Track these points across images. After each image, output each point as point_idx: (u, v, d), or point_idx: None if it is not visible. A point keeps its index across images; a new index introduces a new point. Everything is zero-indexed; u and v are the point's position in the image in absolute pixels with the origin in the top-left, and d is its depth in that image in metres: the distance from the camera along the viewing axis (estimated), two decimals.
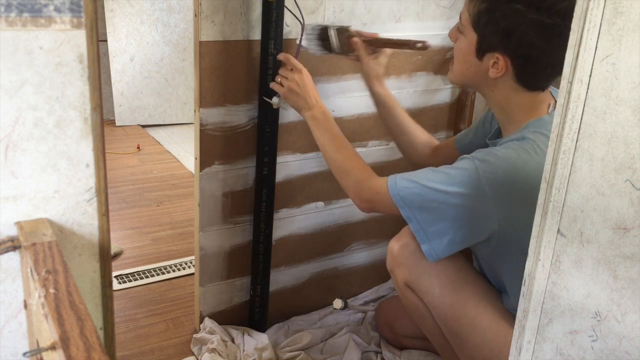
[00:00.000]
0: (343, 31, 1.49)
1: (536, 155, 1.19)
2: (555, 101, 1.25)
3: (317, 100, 1.43)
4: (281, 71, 1.45)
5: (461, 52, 1.29)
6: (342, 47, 1.49)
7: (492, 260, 1.35)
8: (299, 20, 1.46)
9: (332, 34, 1.48)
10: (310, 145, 1.68)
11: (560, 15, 1.15)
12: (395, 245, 1.40)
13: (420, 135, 1.60)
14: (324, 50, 1.51)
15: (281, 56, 1.45)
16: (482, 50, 1.25)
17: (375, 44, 1.51)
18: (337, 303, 1.67)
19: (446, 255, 1.28)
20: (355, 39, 1.48)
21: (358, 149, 1.75)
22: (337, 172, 1.40)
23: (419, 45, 1.45)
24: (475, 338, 1.33)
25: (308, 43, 1.50)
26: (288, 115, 1.60)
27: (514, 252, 1.25)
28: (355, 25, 1.60)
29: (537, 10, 1.16)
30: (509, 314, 1.34)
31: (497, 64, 1.23)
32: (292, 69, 1.43)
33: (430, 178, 1.24)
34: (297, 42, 1.48)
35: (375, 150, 1.78)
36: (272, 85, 1.46)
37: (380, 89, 1.54)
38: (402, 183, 1.27)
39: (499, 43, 1.21)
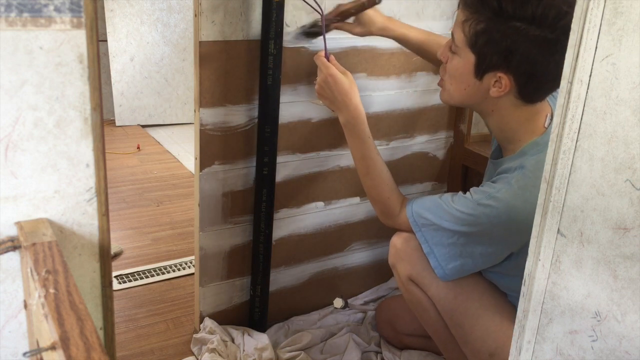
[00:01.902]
0: (315, 24, 1.50)
1: (535, 190, 1.20)
2: (552, 111, 1.26)
3: (345, 103, 1.38)
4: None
5: (457, 72, 1.26)
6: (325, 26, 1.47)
7: (501, 270, 1.37)
8: (318, 12, 1.42)
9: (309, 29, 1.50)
10: (310, 145, 1.68)
11: (562, 30, 1.12)
12: (397, 240, 1.42)
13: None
14: (312, 38, 1.53)
15: (315, 57, 1.42)
16: (481, 71, 1.22)
17: (342, 15, 1.46)
18: (338, 302, 1.67)
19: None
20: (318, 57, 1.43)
21: None
22: (366, 193, 1.46)
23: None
24: (478, 330, 1.35)
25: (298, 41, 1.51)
26: (288, 115, 1.60)
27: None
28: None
29: (539, 26, 1.13)
30: (512, 307, 1.36)
31: (500, 83, 1.21)
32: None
33: (443, 217, 1.29)
34: (323, 40, 1.42)
35: None
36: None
37: (390, 33, 1.51)
38: (420, 220, 1.35)
39: (501, 62, 1.19)
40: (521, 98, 1.23)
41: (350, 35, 1.53)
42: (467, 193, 1.29)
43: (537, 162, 1.22)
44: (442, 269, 1.34)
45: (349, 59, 1.63)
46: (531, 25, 1.14)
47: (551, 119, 1.26)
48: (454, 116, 1.92)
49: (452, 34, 1.26)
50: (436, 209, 1.31)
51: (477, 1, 1.18)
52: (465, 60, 1.23)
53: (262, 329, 1.71)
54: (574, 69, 0.68)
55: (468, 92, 1.27)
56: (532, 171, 1.22)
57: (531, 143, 1.26)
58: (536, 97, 1.24)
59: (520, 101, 1.24)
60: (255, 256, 1.64)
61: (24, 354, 0.90)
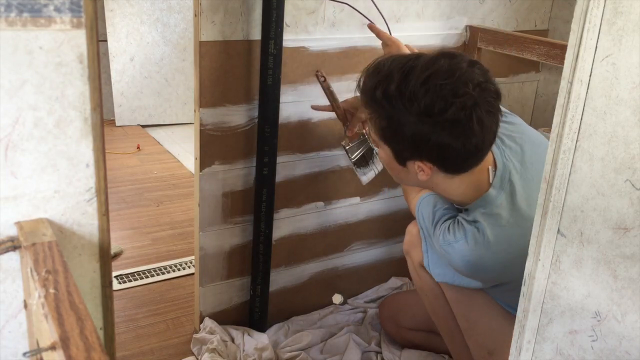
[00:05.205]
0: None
1: (490, 245, 1.22)
2: (494, 160, 1.25)
3: None
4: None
5: (385, 162, 1.28)
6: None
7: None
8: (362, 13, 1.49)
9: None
10: (310, 145, 1.68)
11: (453, 119, 1.13)
12: (413, 228, 1.47)
13: None
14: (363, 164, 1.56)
15: (369, 25, 1.47)
16: (401, 159, 1.23)
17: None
18: (337, 298, 1.68)
19: None
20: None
21: None
22: None
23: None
24: (482, 325, 1.37)
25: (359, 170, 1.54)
26: (288, 115, 1.60)
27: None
28: (355, 26, 1.60)
29: (431, 117, 1.13)
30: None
31: (422, 168, 1.21)
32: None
33: (428, 232, 1.34)
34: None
35: None
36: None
37: None
38: (420, 221, 1.37)
39: (413, 152, 1.19)
40: (450, 173, 1.23)
41: (350, 35, 1.53)
42: (450, 221, 1.28)
43: (489, 215, 1.23)
44: (429, 268, 1.41)
45: (349, 59, 1.63)
46: (424, 117, 1.13)
47: (494, 171, 1.25)
48: None
49: (369, 130, 1.29)
50: (427, 222, 1.34)
51: (372, 101, 1.19)
52: (386, 151, 1.24)
53: (262, 329, 1.71)
54: (574, 69, 0.68)
55: (402, 177, 1.29)
56: (486, 226, 1.22)
57: (481, 198, 1.25)
58: (464, 169, 1.23)
59: (453, 174, 1.23)
60: (255, 256, 1.64)
61: (24, 354, 0.90)
